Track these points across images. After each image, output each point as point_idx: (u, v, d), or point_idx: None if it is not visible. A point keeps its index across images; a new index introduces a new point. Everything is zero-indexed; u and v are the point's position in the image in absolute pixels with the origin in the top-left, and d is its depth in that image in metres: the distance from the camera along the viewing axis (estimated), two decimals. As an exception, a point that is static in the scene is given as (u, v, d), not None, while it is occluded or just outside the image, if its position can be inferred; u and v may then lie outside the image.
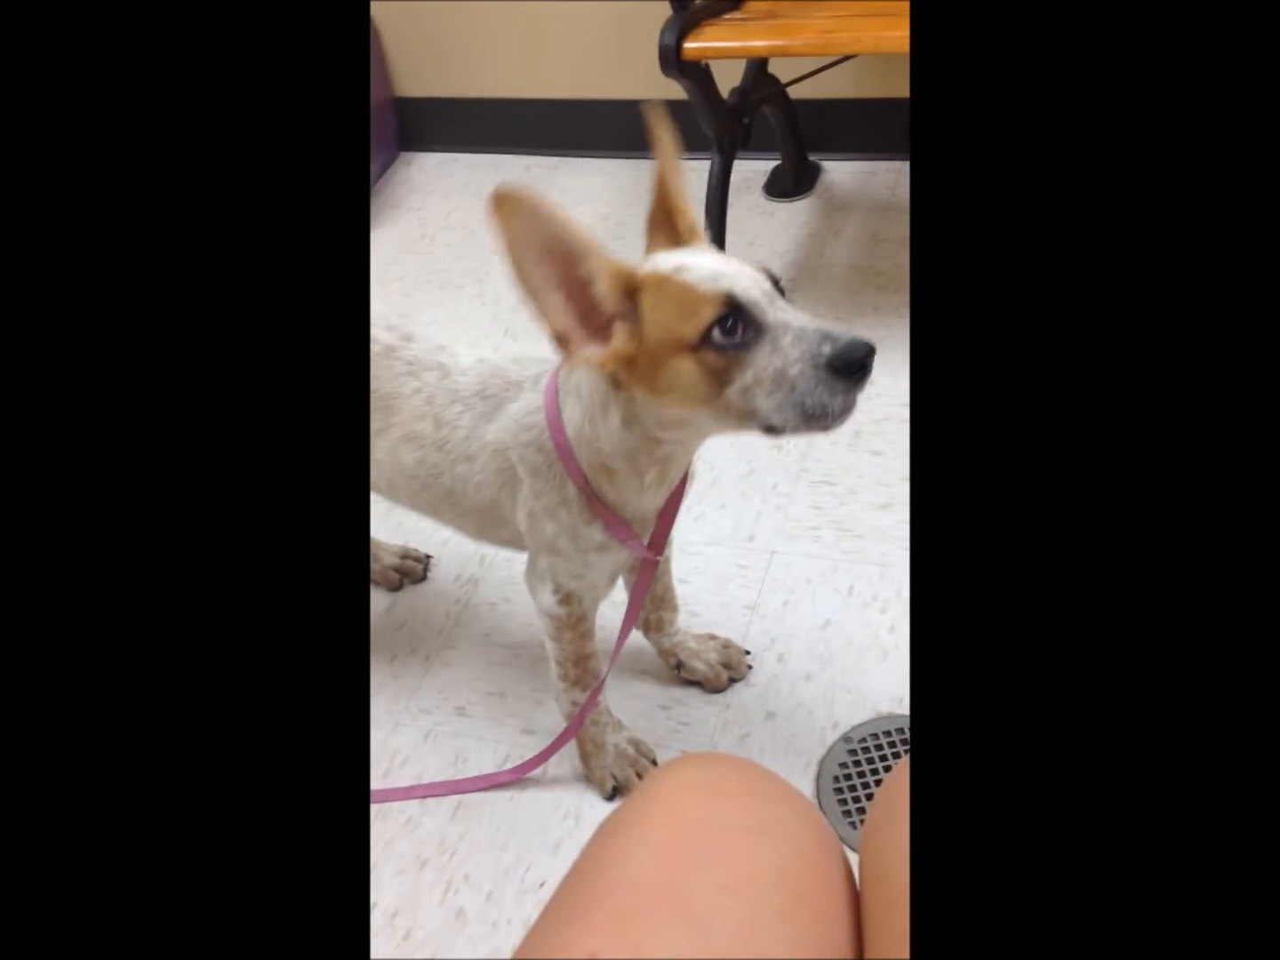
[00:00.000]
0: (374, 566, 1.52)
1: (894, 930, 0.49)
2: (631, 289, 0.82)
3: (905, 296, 1.86)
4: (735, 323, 0.79)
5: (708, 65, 1.79)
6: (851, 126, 2.24)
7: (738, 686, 1.31)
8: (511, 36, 2.39)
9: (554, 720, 1.24)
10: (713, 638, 1.33)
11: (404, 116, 2.58)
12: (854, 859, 0.57)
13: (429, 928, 1.14)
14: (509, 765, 1.26)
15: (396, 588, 1.52)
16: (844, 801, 1.17)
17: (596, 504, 0.98)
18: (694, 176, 1.22)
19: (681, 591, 1.37)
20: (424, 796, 1.24)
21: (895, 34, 1.62)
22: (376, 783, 1.28)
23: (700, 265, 0.82)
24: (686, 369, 0.81)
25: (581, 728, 1.20)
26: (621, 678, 1.34)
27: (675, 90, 1.78)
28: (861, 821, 1.00)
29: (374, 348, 1.09)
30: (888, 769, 1.19)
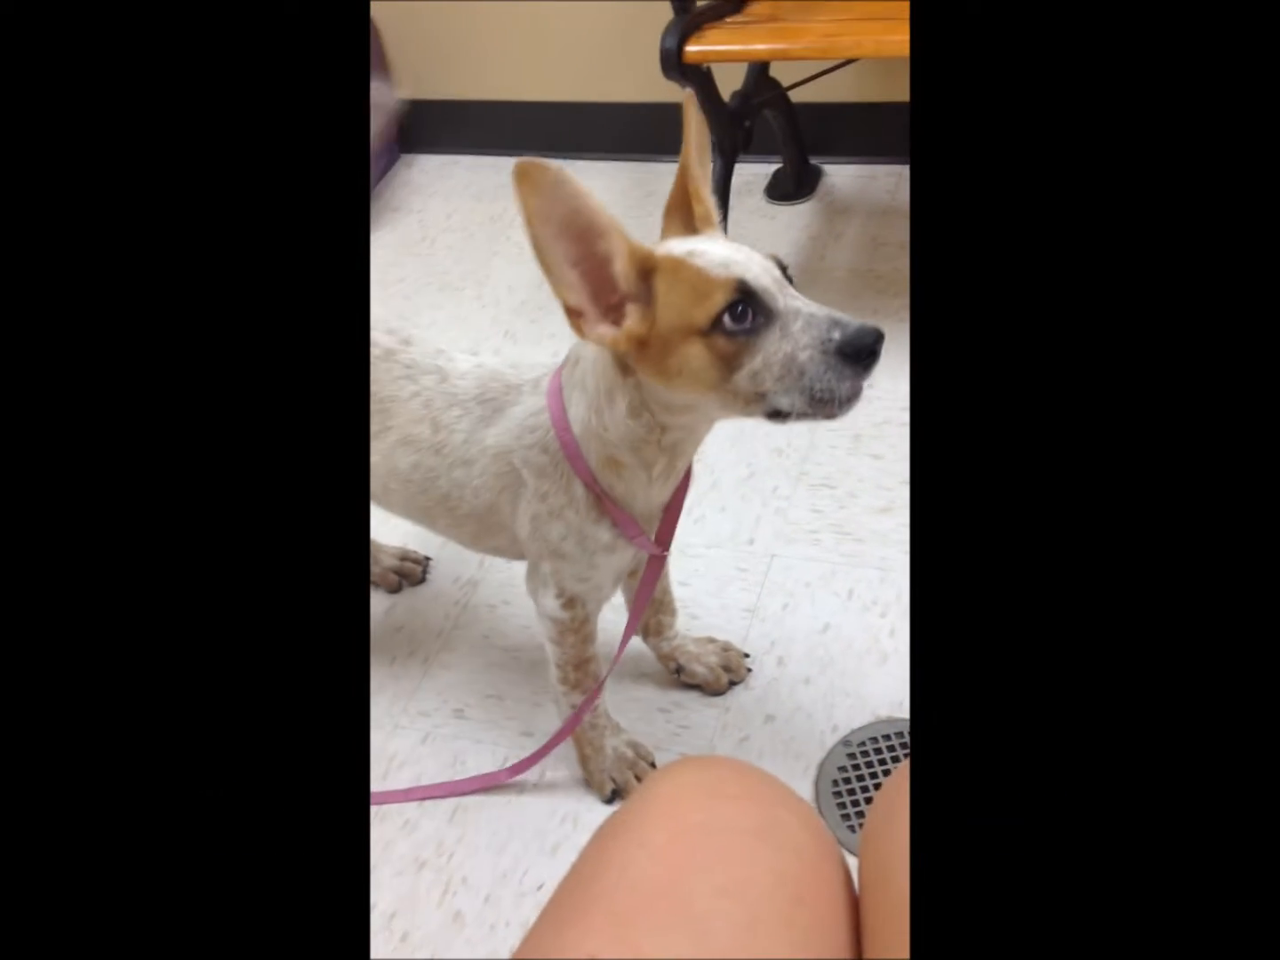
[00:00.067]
0: (373, 568, 1.51)
1: (893, 935, 0.48)
2: (647, 270, 0.82)
3: (905, 300, 1.86)
4: (746, 309, 0.80)
5: (709, 68, 1.79)
6: (852, 130, 2.24)
7: (737, 690, 1.31)
8: (512, 39, 2.39)
9: (553, 723, 1.24)
10: (712, 641, 1.33)
11: (405, 119, 2.58)
12: (852, 862, 0.57)
13: (426, 930, 1.14)
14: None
15: (395, 590, 1.52)
16: (843, 805, 1.17)
17: (605, 501, 0.98)
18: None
19: (681, 594, 1.37)
20: (422, 799, 1.24)
21: (896, 38, 1.62)
22: (375, 785, 1.27)
23: (713, 251, 0.83)
24: (696, 353, 0.82)
25: (581, 731, 1.20)
26: (620, 681, 1.34)
27: (677, 93, 1.78)
28: (860, 825, 1.00)
29: (373, 351, 1.09)
30: (887, 773, 1.19)
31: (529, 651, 1.41)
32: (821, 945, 0.49)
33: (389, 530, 1.55)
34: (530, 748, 1.24)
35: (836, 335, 0.79)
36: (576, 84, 2.39)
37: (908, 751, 1.20)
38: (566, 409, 0.96)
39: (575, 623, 1.11)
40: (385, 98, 2.44)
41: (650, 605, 1.26)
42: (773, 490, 1.58)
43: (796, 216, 2.16)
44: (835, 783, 1.19)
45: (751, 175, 2.25)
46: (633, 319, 0.83)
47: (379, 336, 1.10)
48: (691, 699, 1.32)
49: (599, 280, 0.82)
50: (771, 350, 0.81)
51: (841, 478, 1.57)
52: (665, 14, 1.73)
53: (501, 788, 1.25)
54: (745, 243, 0.86)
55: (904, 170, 2.21)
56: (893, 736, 1.23)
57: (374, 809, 1.24)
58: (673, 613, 1.30)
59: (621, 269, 0.82)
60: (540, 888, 1.16)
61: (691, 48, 1.70)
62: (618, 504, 0.98)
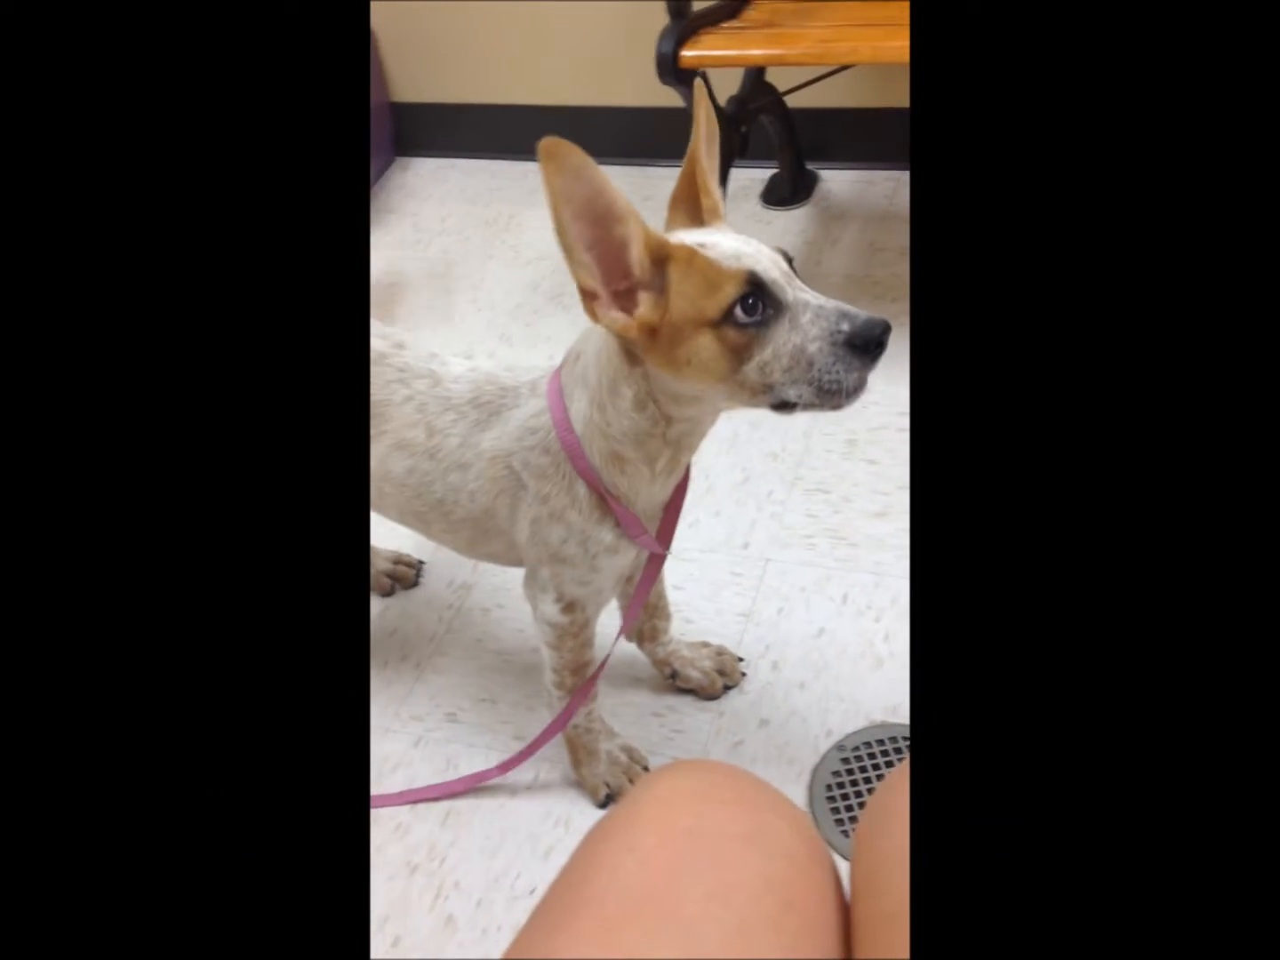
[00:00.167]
0: (367, 571, 1.51)
1: (884, 941, 0.48)
2: (661, 259, 0.82)
3: (902, 306, 1.86)
4: (756, 301, 0.81)
5: (705, 73, 1.79)
6: (849, 135, 2.24)
7: (731, 694, 1.31)
8: (508, 43, 2.40)
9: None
10: (706, 645, 1.33)
11: (400, 122, 2.59)
12: (845, 868, 0.56)
13: (419, 934, 1.13)
14: (500, 772, 1.25)
15: (389, 593, 1.52)
16: (836, 810, 1.17)
17: (608, 500, 0.98)
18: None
19: (676, 598, 1.37)
20: (414, 801, 1.24)
21: (893, 44, 1.62)
22: (367, 788, 1.27)
23: (724, 243, 0.83)
24: (706, 344, 0.82)
25: (575, 735, 1.19)
26: (615, 685, 1.33)
27: (674, 98, 1.79)
28: (854, 830, 0.99)
29: (367, 353, 1.09)
30: (881, 778, 1.19)
31: (522, 655, 1.40)
32: (810, 950, 0.49)
33: (382, 534, 1.55)
34: (523, 751, 1.24)
35: (845, 327, 0.80)
36: (573, 88, 2.39)
37: (901, 756, 1.20)
38: (568, 408, 0.96)
39: (575, 627, 1.10)
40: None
41: (645, 610, 1.26)
42: (768, 495, 1.57)
43: (793, 221, 2.16)
44: (829, 787, 1.19)
45: (748, 180, 2.26)
46: (645, 307, 0.83)
47: (372, 340, 1.10)
48: (685, 703, 1.31)
49: (610, 265, 0.82)
50: (781, 342, 0.81)
51: (837, 482, 1.57)
52: (662, 18, 1.73)
53: (494, 791, 1.24)
54: (743, 245, 0.86)
55: (901, 175, 2.22)
56: (886, 741, 1.22)
57: (366, 813, 1.23)
58: (667, 618, 1.30)
59: (638, 255, 0.82)
60: (533, 891, 1.15)
61: (687, 53, 1.70)
62: (620, 502, 0.98)
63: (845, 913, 0.53)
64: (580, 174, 0.77)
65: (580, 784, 1.23)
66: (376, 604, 1.51)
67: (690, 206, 0.90)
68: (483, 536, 1.11)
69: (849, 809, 1.17)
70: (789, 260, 0.86)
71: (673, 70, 1.70)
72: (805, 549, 1.48)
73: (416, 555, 1.54)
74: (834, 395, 0.82)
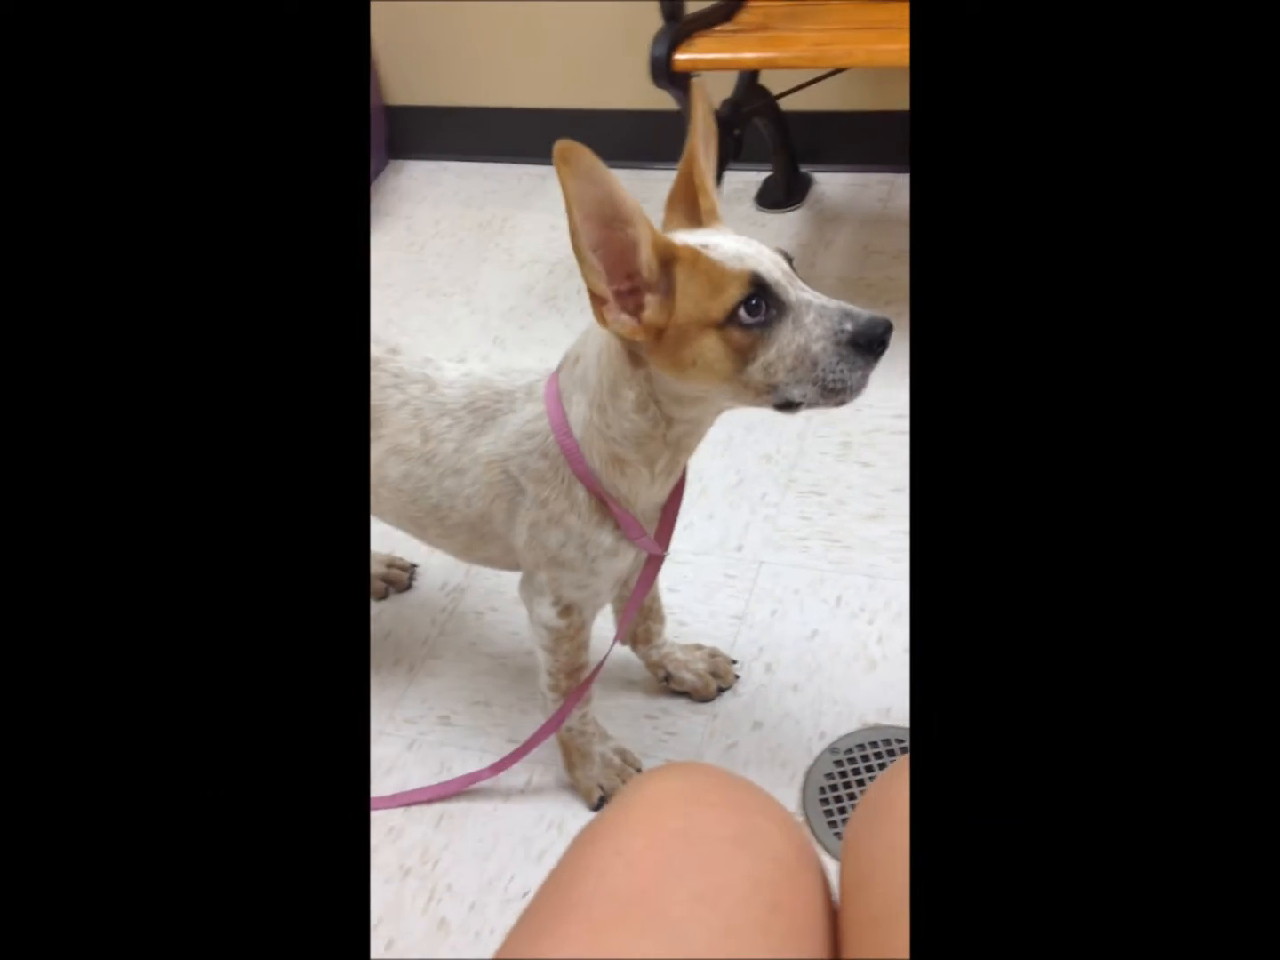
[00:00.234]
0: (360, 574, 1.51)
1: (872, 942, 0.48)
2: (668, 260, 0.83)
3: (897, 308, 1.86)
4: (760, 302, 0.81)
5: (694, 78, 1.79)
6: (843, 138, 2.24)
7: (725, 696, 1.31)
8: (502, 45, 2.40)
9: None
10: (699, 647, 1.33)
11: (394, 124, 2.58)
12: (836, 869, 0.56)
13: (411, 937, 1.13)
14: (494, 775, 1.25)
15: (382, 596, 1.52)
16: (829, 812, 1.17)
17: (608, 503, 0.98)
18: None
19: (670, 601, 1.37)
20: (407, 804, 1.23)
21: (888, 47, 1.63)
22: (360, 792, 1.27)
23: (725, 245, 0.83)
24: (711, 345, 0.82)
25: (568, 738, 1.19)
26: (608, 688, 1.33)
27: (668, 101, 1.79)
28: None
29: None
30: (873, 780, 1.19)
31: (516, 658, 1.40)
32: (798, 952, 0.49)
33: (375, 537, 1.54)
34: (517, 755, 1.24)
35: (849, 326, 0.80)
36: (567, 91, 2.39)
37: (895, 759, 1.20)
38: (566, 412, 0.96)
39: (571, 630, 1.10)
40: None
41: (639, 613, 1.26)
42: (761, 497, 1.58)
43: (787, 224, 2.16)
44: (822, 790, 1.19)
45: (742, 183, 2.26)
46: (651, 309, 0.83)
47: (366, 343, 1.10)
48: (679, 706, 1.31)
49: (616, 267, 0.82)
50: (785, 342, 0.82)
51: (830, 485, 1.57)
52: (656, 21, 1.73)
53: (488, 794, 1.24)
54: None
55: (895, 178, 2.22)
56: (879, 744, 1.23)
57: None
58: (661, 620, 1.30)
59: (646, 258, 0.82)
60: (526, 894, 1.15)
61: (681, 56, 1.70)
62: (620, 505, 0.98)
63: (833, 915, 0.53)
64: (592, 176, 0.78)
65: (574, 787, 1.23)
66: (370, 607, 1.51)
67: (687, 207, 0.91)
68: (479, 541, 1.11)
69: (842, 811, 1.17)
70: (789, 261, 0.86)
71: (666, 73, 1.70)
72: (799, 551, 1.48)
73: (409, 558, 1.54)
74: (838, 394, 0.82)
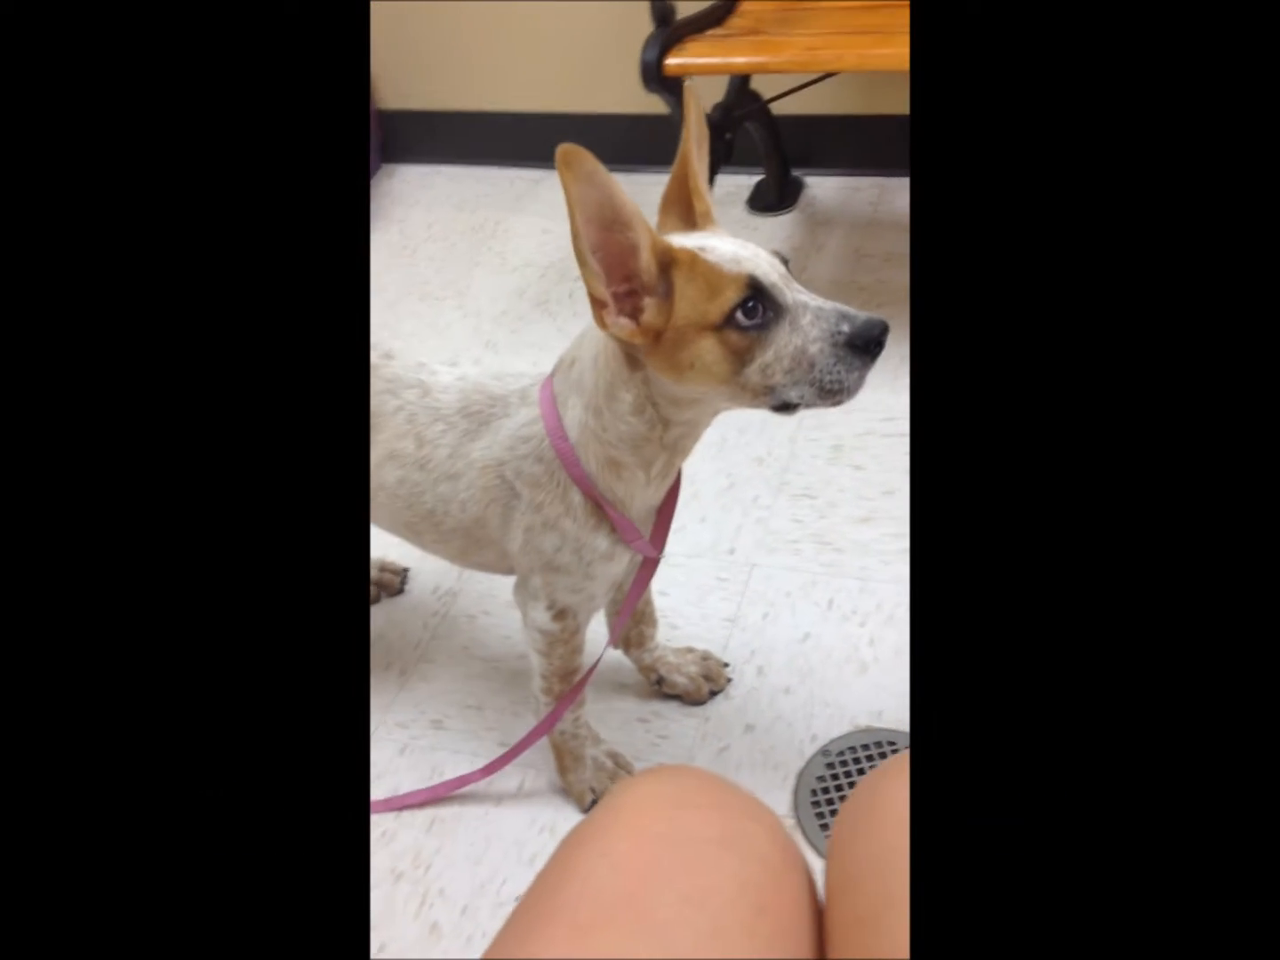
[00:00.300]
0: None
1: (857, 944, 0.48)
2: (666, 264, 0.83)
3: (888, 311, 1.85)
4: (757, 304, 0.82)
5: (687, 81, 1.80)
6: (834, 142, 2.25)
7: (717, 699, 1.31)
8: (494, 50, 2.40)
9: (531, 733, 1.24)
10: (691, 650, 1.33)
11: (386, 128, 2.59)
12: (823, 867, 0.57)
13: (403, 941, 1.13)
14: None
15: (374, 600, 1.52)
16: (821, 815, 1.17)
17: (603, 506, 0.98)
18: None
19: (662, 604, 1.37)
20: (399, 808, 1.23)
21: (878, 51, 1.63)
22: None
23: (722, 247, 0.84)
24: (709, 347, 0.83)
25: (561, 741, 1.19)
26: (600, 691, 1.33)
27: (660, 105, 1.79)
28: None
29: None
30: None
31: (509, 662, 1.40)
32: (784, 953, 0.49)
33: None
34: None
35: (846, 328, 0.81)
36: (559, 95, 2.40)
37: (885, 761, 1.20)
38: (561, 415, 0.96)
39: (566, 634, 1.10)
40: None
41: (632, 616, 1.26)
42: (753, 500, 1.58)
43: (778, 228, 2.17)
44: (814, 792, 1.19)
45: (734, 187, 2.26)
46: (650, 312, 0.83)
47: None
48: (671, 709, 1.31)
49: (614, 270, 0.83)
50: (782, 344, 0.82)
51: (822, 488, 1.58)
52: (648, 26, 1.74)
53: (479, 798, 1.24)
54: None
55: (886, 182, 2.23)
56: (871, 746, 1.23)
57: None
58: (654, 624, 1.30)
59: (645, 261, 0.82)
60: (518, 898, 1.15)
61: (672, 60, 1.70)
62: (616, 508, 0.98)
63: (819, 915, 0.53)
64: (593, 179, 0.78)
65: (566, 790, 1.23)
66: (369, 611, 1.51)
67: (681, 210, 0.91)
68: (474, 546, 1.11)
69: (834, 813, 1.17)
70: (785, 263, 0.86)
71: (657, 78, 1.70)
72: (791, 554, 1.48)
73: (402, 562, 1.54)
74: (835, 395, 0.83)
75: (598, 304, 0.83)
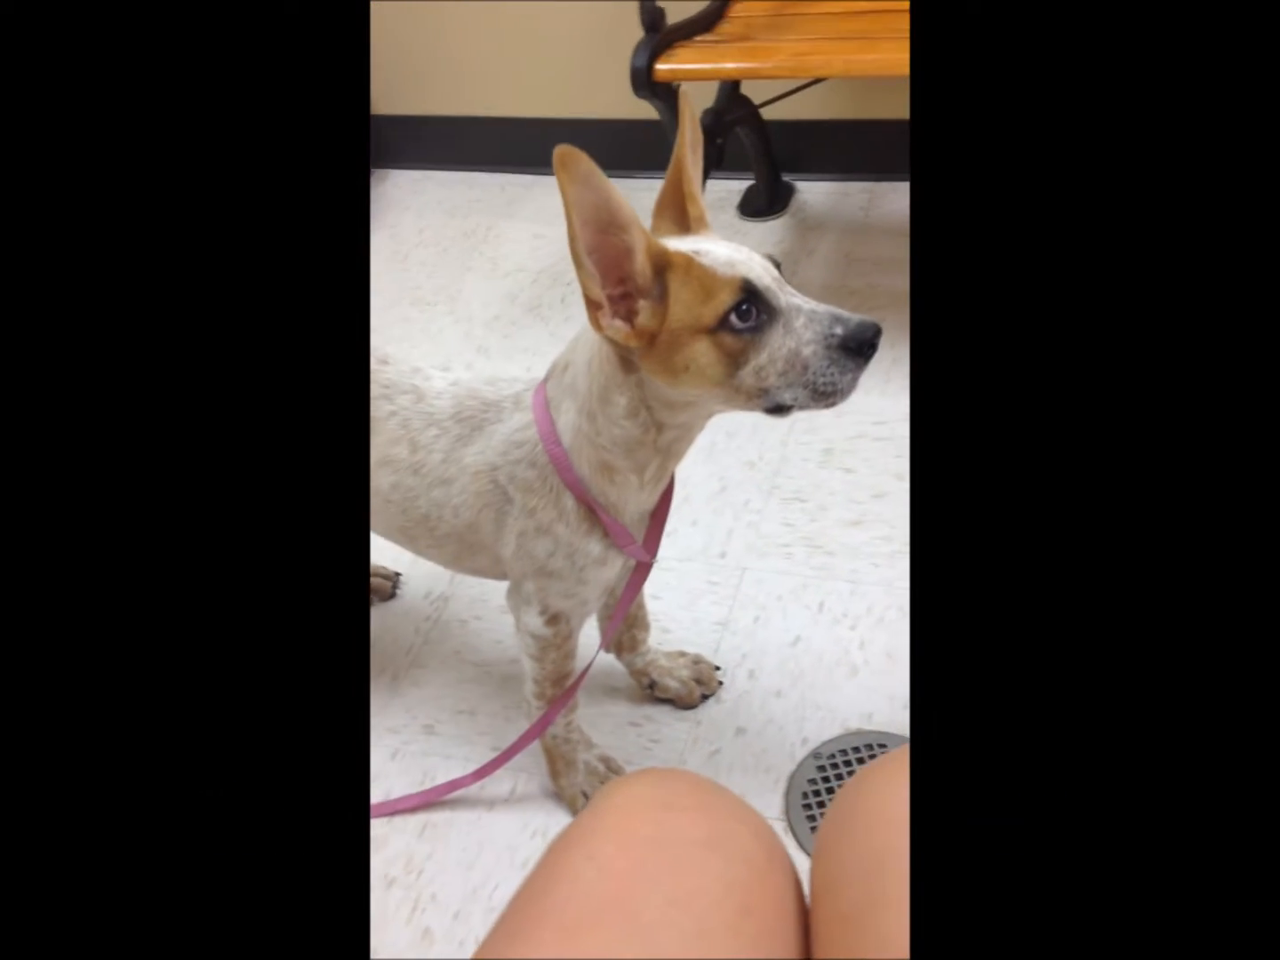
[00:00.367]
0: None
1: (841, 943, 0.49)
2: (661, 267, 0.83)
3: (879, 315, 1.86)
4: (751, 307, 0.82)
5: (680, 86, 1.80)
6: (824, 147, 2.26)
7: (708, 703, 1.31)
8: (485, 55, 2.40)
9: (523, 738, 1.24)
10: (683, 654, 1.33)
11: (377, 134, 2.59)
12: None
13: (396, 947, 1.13)
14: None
15: (366, 605, 1.52)
16: (813, 817, 1.17)
17: (597, 511, 0.98)
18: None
19: (653, 607, 1.37)
20: (390, 813, 1.23)
21: (865, 57, 1.64)
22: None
23: (716, 251, 0.84)
24: (703, 350, 0.83)
25: (553, 745, 1.19)
26: (592, 695, 1.33)
27: (651, 110, 1.80)
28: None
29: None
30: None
31: (501, 666, 1.40)
32: (769, 953, 0.49)
33: (360, 545, 1.54)
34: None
35: (839, 330, 0.81)
36: (549, 100, 2.40)
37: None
38: (555, 420, 0.96)
39: (558, 639, 1.10)
40: None
41: (624, 621, 1.26)
42: (744, 504, 1.58)
43: (769, 233, 2.18)
44: (805, 795, 1.19)
45: (724, 191, 2.27)
46: (645, 314, 0.84)
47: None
48: (663, 713, 1.32)
49: (609, 272, 0.83)
50: (776, 346, 0.82)
51: (813, 491, 1.58)
52: (638, 31, 1.74)
53: (471, 803, 1.24)
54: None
55: (876, 186, 2.23)
56: (862, 749, 1.23)
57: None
58: (646, 628, 1.30)
59: (640, 264, 0.82)
60: (510, 903, 1.15)
61: (662, 66, 1.71)
62: (609, 513, 0.98)
63: (805, 915, 0.53)
64: (590, 181, 0.78)
65: (558, 795, 1.23)
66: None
67: (675, 214, 0.91)
68: (468, 551, 1.11)
69: (825, 816, 1.17)
70: (778, 266, 0.87)
71: (647, 84, 1.71)
72: (782, 558, 1.49)
73: (393, 567, 1.54)
74: (829, 396, 0.83)
75: (593, 306, 0.84)
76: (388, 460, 1.08)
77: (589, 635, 1.21)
